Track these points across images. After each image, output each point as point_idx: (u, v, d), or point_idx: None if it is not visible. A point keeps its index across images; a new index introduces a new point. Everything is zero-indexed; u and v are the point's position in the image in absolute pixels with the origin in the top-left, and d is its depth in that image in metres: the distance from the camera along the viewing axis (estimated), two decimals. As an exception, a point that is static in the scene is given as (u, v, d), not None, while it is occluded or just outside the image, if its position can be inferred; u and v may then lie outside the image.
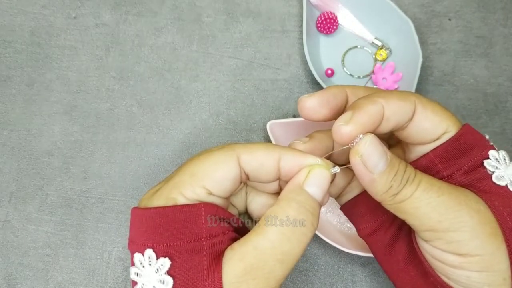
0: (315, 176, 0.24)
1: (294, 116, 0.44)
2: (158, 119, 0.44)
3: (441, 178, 0.25)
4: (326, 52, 0.47)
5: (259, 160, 0.24)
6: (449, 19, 0.48)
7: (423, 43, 0.47)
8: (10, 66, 0.45)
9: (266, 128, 0.40)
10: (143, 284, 0.22)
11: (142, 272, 0.22)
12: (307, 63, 0.43)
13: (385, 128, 0.24)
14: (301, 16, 0.46)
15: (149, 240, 0.22)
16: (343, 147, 0.23)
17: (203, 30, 0.47)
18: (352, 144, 0.23)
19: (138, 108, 0.44)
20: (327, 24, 0.46)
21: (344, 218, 0.40)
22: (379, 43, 0.47)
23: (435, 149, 0.25)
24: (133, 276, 0.22)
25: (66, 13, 0.47)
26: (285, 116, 0.44)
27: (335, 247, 0.37)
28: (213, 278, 0.21)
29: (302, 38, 0.44)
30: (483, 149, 0.25)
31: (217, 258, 0.22)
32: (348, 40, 0.48)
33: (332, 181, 0.27)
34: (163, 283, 0.22)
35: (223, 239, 0.23)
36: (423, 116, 0.24)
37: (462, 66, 0.47)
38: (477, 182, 0.24)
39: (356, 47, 0.47)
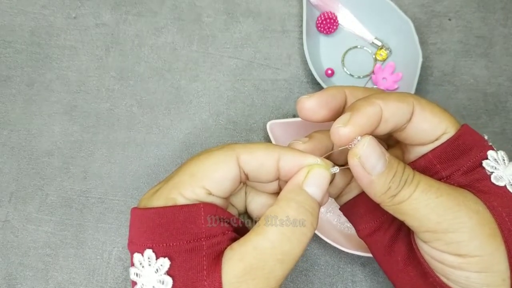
0: (315, 176, 0.24)
1: (294, 116, 0.44)
2: (158, 119, 0.44)
3: (440, 179, 0.25)
4: (326, 52, 0.47)
5: (258, 160, 0.24)
6: (449, 19, 0.48)
7: (423, 43, 0.47)
8: (10, 66, 0.45)
9: (266, 128, 0.40)
10: (142, 284, 0.22)
11: (142, 272, 0.22)
12: (307, 63, 0.43)
13: (383, 129, 0.24)
14: (301, 16, 0.46)
15: (148, 240, 0.22)
16: (342, 147, 0.23)
17: (203, 30, 0.47)
18: (350, 146, 0.23)
19: (138, 108, 0.44)
20: (327, 24, 0.46)
21: (344, 218, 0.40)
22: (379, 43, 0.47)
23: (433, 149, 0.25)
24: (132, 276, 0.22)
25: (66, 13, 0.47)
26: (285, 116, 0.44)
27: (335, 247, 0.37)
28: (212, 278, 0.21)
29: (302, 38, 0.44)
30: (481, 149, 0.25)
31: (217, 258, 0.22)
32: (348, 40, 0.47)
33: (331, 181, 0.27)
34: (163, 283, 0.22)
35: (222, 239, 0.23)
36: (421, 117, 0.24)
37: (462, 66, 0.47)
38: (476, 183, 0.24)
39: (356, 47, 0.47)
